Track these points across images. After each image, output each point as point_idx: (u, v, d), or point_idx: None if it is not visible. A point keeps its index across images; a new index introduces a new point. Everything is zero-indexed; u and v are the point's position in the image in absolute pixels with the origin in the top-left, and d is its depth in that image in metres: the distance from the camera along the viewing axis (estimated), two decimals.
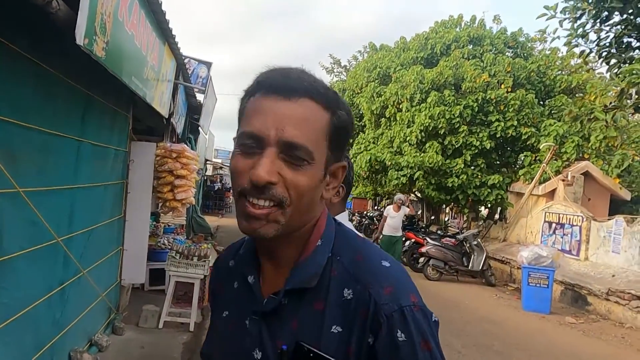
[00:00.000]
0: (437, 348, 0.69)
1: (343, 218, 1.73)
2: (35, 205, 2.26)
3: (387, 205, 11.92)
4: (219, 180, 23.17)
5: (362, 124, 14.63)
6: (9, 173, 2.00)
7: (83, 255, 3.08)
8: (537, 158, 10.53)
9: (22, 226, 2.20)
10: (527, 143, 10.68)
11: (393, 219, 9.31)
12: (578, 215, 8.75)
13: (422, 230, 12.38)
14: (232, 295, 0.82)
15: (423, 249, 9.42)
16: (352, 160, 13.73)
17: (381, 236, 9.49)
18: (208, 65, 7.58)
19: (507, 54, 12.68)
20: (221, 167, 21.85)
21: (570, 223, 8.92)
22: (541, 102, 11.97)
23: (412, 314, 0.68)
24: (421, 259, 9.58)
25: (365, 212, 17.38)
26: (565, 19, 6.02)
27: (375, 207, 19.64)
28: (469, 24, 13.77)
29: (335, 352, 0.68)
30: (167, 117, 4.72)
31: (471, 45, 12.77)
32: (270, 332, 0.73)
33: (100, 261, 3.55)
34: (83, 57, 2.14)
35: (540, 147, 10.21)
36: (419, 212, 17.44)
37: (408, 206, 9.93)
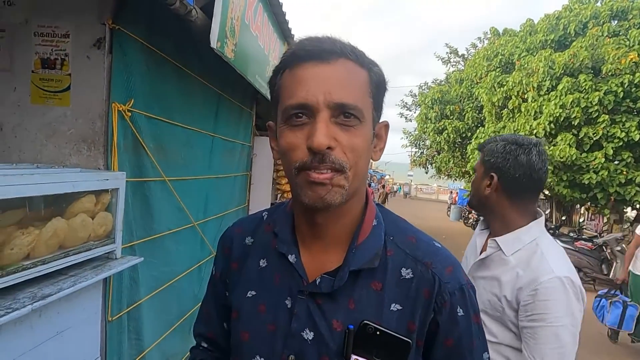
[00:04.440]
0: (480, 320, 0.78)
1: (537, 229, 1.38)
2: (177, 192, 2.59)
3: None
4: None
5: (482, 117, 13.68)
6: (159, 164, 2.33)
7: (215, 239, 3.44)
8: None
9: (168, 210, 2.54)
10: None
11: None
12: None
13: (551, 231, 11.18)
14: (257, 275, 0.80)
15: None
16: (470, 156, 12.99)
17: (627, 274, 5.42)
18: None
19: None
20: None
21: None
22: None
23: (468, 292, 0.75)
24: None
25: None
26: None
27: None
28: None
29: (396, 328, 0.69)
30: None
31: (615, 21, 11.04)
32: (322, 311, 0.72)
33: None
34: (215, 59, 2.38)
35: None
36: (547, 212, 15.78)
37: None
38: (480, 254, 1.46)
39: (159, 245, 2.47)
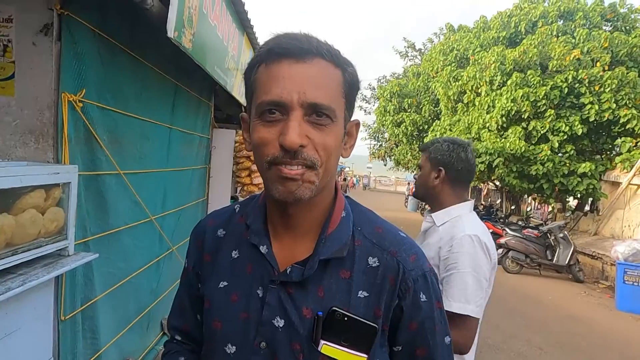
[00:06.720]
0: (443, 306, 0.81)
1: (465, 208, 1.66)
2: (133, 186, 2.51)
3: None
4: None
5: (438, 110, 14.09)
6: (114, 157, 2.24)
7: (174, 233, 3.37)
8: (639, 143, 9.42)
9: (124, 204, 2.46)
10: (627, 127, 9.56)
11: None
12: None
13: (501, 220, 11.76)
14: (229, 266, 0.81)
15: (501, 240, 8.95)
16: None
17: None
18: None
19: (604, 28, 11.42)
20: None
21: None
22: None
23: (431, 278, 0.78)
24: (499, 251, 9.11)
25: None
26: None
27: None
28: None
29: (363, 314, 0.73)
30: (245, 105, 4.95)
31: (562, 21, 11.67)
32: (293, 300, 0.74)
33: (187, 239, 3.86)
34: (172, 50, 2.32)
35: None
36: (498, 202, 16.55)
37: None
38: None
39: (115, 240, 2.39)
